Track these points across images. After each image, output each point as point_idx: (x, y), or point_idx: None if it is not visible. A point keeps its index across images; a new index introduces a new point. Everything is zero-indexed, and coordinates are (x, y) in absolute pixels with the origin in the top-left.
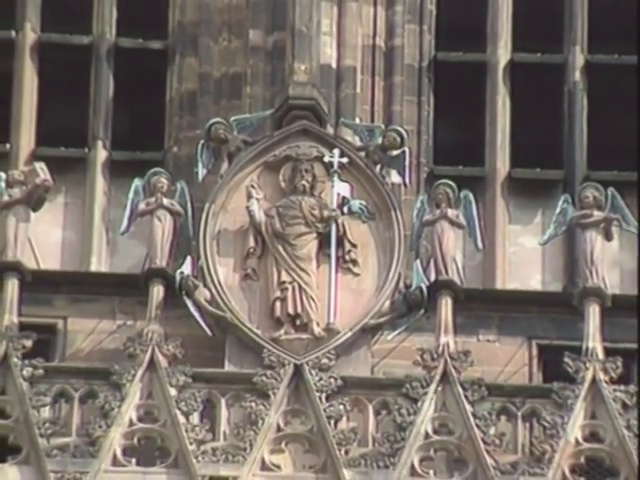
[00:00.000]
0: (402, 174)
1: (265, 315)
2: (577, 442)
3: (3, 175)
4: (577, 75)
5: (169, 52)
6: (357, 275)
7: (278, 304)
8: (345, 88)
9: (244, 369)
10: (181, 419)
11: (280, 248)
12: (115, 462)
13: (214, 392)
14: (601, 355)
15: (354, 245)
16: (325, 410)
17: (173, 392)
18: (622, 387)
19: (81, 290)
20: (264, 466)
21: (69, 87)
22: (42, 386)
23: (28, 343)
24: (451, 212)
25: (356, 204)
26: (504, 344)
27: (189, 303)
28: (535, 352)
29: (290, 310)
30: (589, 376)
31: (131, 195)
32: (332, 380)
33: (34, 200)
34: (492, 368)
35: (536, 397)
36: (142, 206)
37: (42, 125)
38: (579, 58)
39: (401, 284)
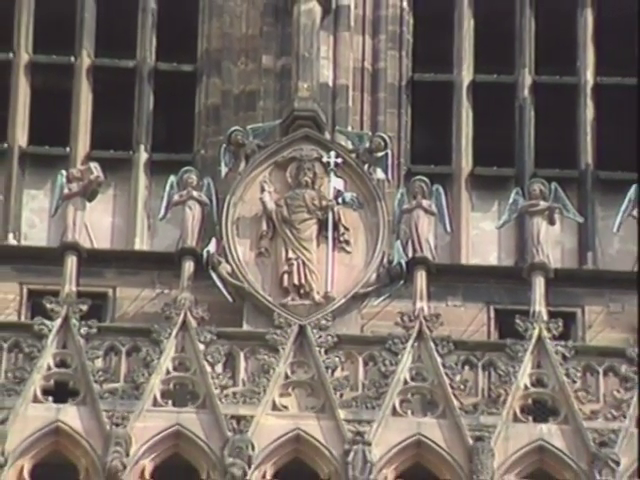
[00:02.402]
0: (385, 172)
1: (275, 285)
2: (526, 387)
3: (64, 172)
4: (526, 92)
5: (198, 73)
6: (349, 253)
7: (286, 276)
8: (339, 102)
9: (258, 329)
10: (208, 369)
11: (287, 231)
12: (155, 403)
13: (234, 347)
14: (545, 317)
15: (347, 229)
16: (324, 362)
17: (201, 347)
18: (562, 342)
19: (127, 265)
20: (275, 407)
21: (117, 102)
22: (96, 342)
23: (84, 307)
24: (425, 202)
25: (348, 196)
26: (468, 308)
27: (214, 276)
28: (492, 315)
29: (295, 281)
30: (536, 334)
31: (167, 189)
32: (329, 337)
33: (89, 193)
34: (458, 328)
35: (493, 351)
36: (176, 197)
37: (95, 132)
38: (528, 79)
39: (385, 260)
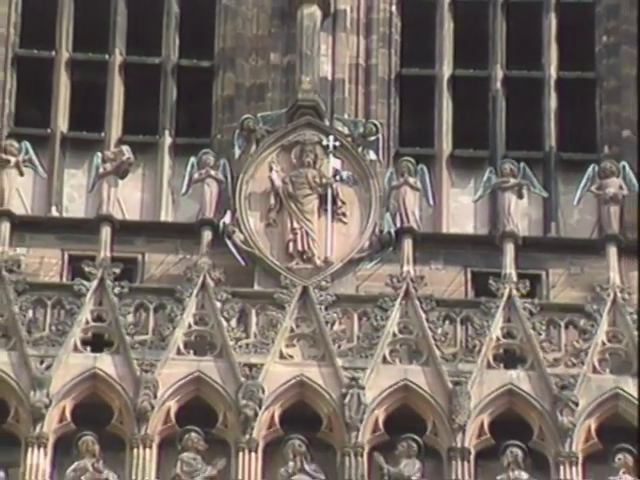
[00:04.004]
0: (377, 153)
1: (282, 251)
2: (497, 339)
3: (99, 154)
4: (498, 85)
5: (214, 69)
6: (346, 223)
7: (291, 244)
8: (337, 94)
9: (267, 289)
10: (224, 323)
11: (292, 205)
12: (179, 352)
13: (247, 305)
14: (515, 278)
15: (344, 203)
16: (324, 317)
17: (218, 305)
18: (529, 300)
19: (154, 234)
20: (282, 356)
21: (145, 93)
22: (127, 300)
23: (117, 270)
24: (411, 180)
25: (345, 174)
26: (448, 271)
27: (229, 243)
28: (469, 276)
29: (299, 248)
30: (506, 293)
31: (188, 168)
32: (328, 296)
33: (121, 172)
34: (439, 288)
35: (469, 307)
36: (196, 176)
37: (126, 120)
38: (499, 73)
39: (376, 230)
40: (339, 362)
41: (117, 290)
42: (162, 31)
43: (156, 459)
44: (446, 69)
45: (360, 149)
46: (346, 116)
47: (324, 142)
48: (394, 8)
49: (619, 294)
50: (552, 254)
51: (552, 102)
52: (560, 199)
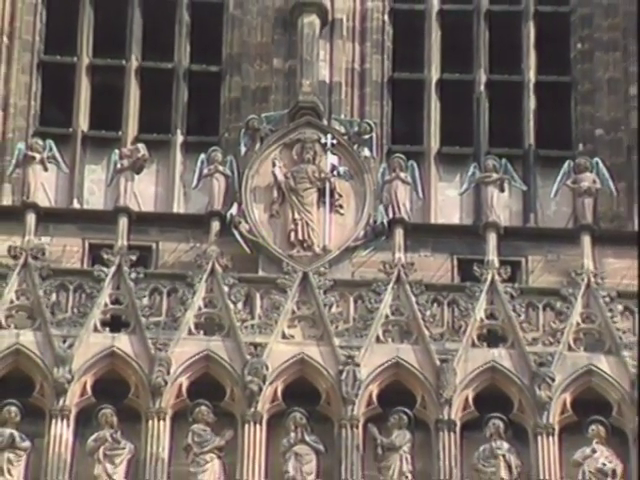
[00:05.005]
0: (371, 150)
1: (284, 240)
2: (481, 320)
3: (117, 151)
4: (482, 88)
5: (222, 73)
6: (342, 215)
7: (292, 233)
8: (334, 96)
9: (271, 274)
10: (231, 306)
11: (293, 198)
12: (190, 333)
13: (252, 289)
14: (497, 264)
15: (340, 195)
16: (322, 300)
17: (226, 289)
18: (510, 284)
19: (167, 224)
20: (284, 336)
21: (159, 96)
22: (143, 285)
23: (134, 257)
24: (402, 174)
25: (342, 169)
26: (436, 258)
27: (235, 233)
28: (455, 263)
29: (300, 237)
30: (489, 278)
31: (198, 164)
32: (327, 281)
33: (137, 167)
34: (428, 273)
35: (455, 291)
36: (205, 171)
37: (142, 119)
38: (483, 77)
39: (370, 220)
40: (336, 341)
41: (133, 275)
42: (174, 38)
43: (169, 430)
44: (434, 73)
45: (355, 146)
46: (343, 116)
47: (323, 140)
48: (387, 17)
49: (592, 279)
50: (531, 242)
51: (531, 103)
52: (538, 192)
